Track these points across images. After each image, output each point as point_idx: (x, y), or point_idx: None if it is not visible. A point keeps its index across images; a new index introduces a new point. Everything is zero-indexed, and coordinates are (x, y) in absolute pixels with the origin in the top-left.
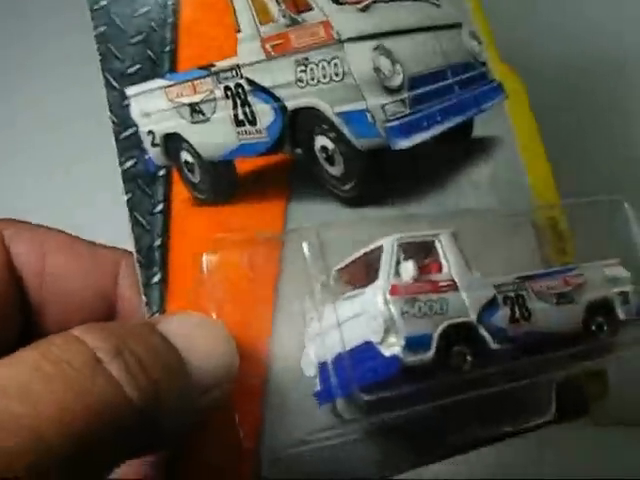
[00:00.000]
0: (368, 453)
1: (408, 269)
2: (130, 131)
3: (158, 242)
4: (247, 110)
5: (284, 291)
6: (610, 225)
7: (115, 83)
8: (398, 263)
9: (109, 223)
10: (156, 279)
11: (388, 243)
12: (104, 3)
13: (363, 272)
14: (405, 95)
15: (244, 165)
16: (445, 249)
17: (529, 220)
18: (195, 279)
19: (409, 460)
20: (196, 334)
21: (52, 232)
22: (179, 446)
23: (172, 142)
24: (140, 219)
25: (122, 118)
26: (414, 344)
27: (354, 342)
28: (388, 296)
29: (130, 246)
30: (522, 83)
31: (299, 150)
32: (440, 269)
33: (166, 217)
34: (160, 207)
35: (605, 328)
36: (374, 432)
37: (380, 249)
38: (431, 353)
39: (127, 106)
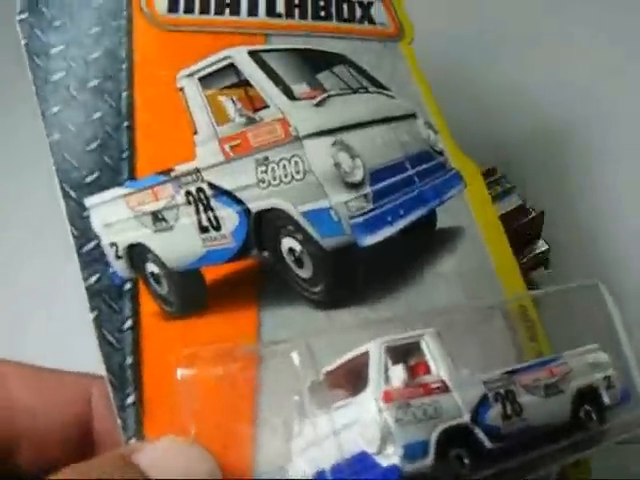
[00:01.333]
0: None
1: (398, 374)
2: (92, 244)
3: (130, 360)
4: (211, 215)
5: (265, 404)
6: (585, 310)
7: (73, 194)
8: (386, 368)
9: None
10: (130, 400)
11: (375, 348)
12: (56, 110)
13: (350, 379)
14: (367, 190)
15: (212, 273)
16: (431, 349)
17: (500, 310)
18: (171, 396)
19: None
20: (175, 462)
21: (14, 366)
22: None
23: (136, 253)
24: (109, 337)
25: (83, 230)
26: (412, 452)
27: (350, 451)
28: (381, 404)
29: (100, 368)
30: (476, 168)
31: (266, 253)
32: (428, 370)
33: (136, 333)
34: (129, 323)
35: (593, 416)
36: None
37: (366, 354)
38: (430, 459)
39: (87, 217)
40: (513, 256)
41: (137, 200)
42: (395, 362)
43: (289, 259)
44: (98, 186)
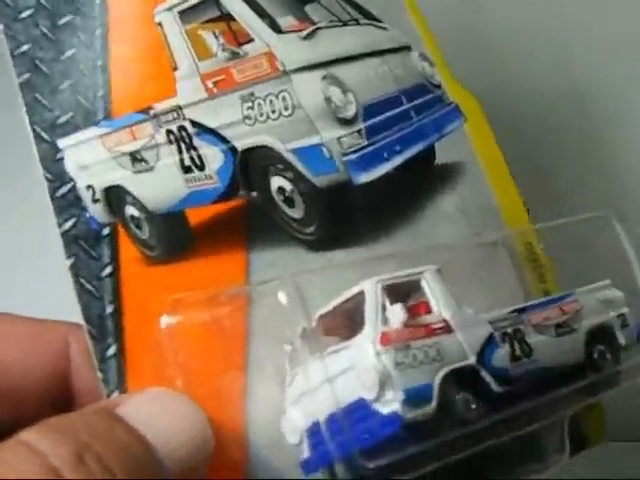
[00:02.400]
0: None
1: (397, 314)
2: (67, 187)
3: (109, 309)
4: (194, 154)
5: (256, 352)
6: (596, 244)
7: (45, 135)
8: (384, 308)
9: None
10: (111, 351)
11: (370, 287)
12: (25, 48)
13: (345, 321)
14: (361, 126)
15: (196, 215)
16: (432, 287)
17: (505, 248)
18: (155, 346)
19: None
20: (162, 414)
21: None
22: None
23: (114, 196)
24: (87, 285)
25: (56, 174)
26: (414, 397)
27: (346, 400)
28: (379, 346)
29: (78, 317)
30: (477, 102)
31: (254, 193)
32: (429, 310)
33: (116, 280)
34: (108, 270)
35: (607, 356)
36: None
37: (362, 294)
38: (433, 405)
39: (61, 160)
40: (517, 193)
41: (114, 140)
42: (393, 302)
43: (279, 199)
44: (72, 127)
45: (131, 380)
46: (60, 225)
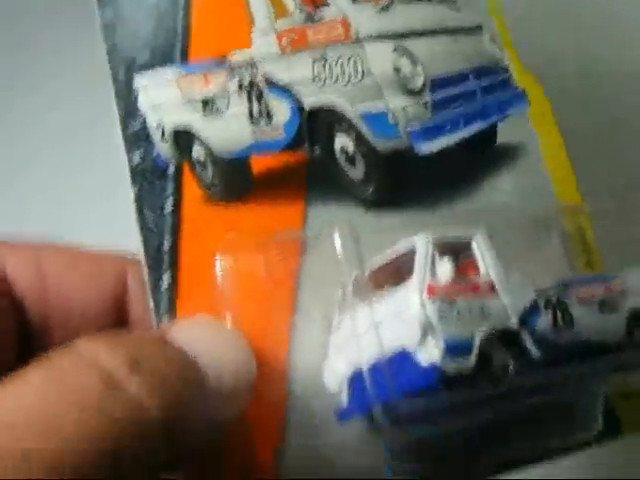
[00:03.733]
0: (398, 474)
1: (445, 269)
2: (138, 124)
3: (168, 243)
4: (263, 106)
5: (305, 297)
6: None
7: (122, 74)
8: (433, 263)
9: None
10: (165, 282)
11: (422, 242)
12: None
13: (395, 275)
14: (427, 98)
15: (260, 163)
16: (482, 249)
17: (557, 228)
18: (207, 283)
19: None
20: (211, 342)
21: (49, 246)
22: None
23: (183, 137)
24: (148, 219)
25: (129, 110)
26: (454, 349)
27: (389, 348)
28: (424, 297)
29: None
30: (541, 87)
31: (318, 150)
32: (477, 271)
33: (176, 217)
34: (170, 206)
35: None
36: (406, 450)
37: (413, 249)
38: (472, 360)
39: (135, 98)
40: (575, 183)
41: (188, 84)
42: (443, 259)
43: (341, 158)
44: (149, 67)
45: (181, 311)
46: (129, 159)
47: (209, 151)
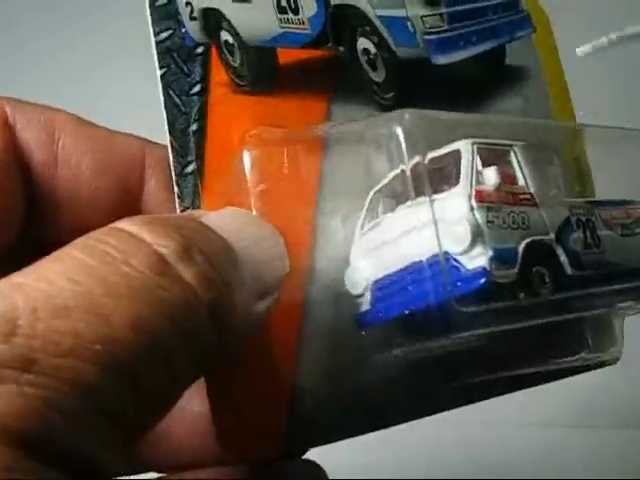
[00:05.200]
0: (415, 384)
1: (491, 176)
2: None
3: (194, 127)
4: None
5: (327, 196)
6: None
7: None
8: (478, 169)
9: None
10: (190, 168)
11: (466, 146)
12: None
13: (438, 179)
14: (443, 10)
15: (287, 56)
16: (520, 160)
17: (557, 152)
18: (232, 174)
19: (462, 394)
20: (249, 232)
21: (66, 115)
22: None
23: (212, 18)
24: (175, 98)
25: None
26: (501, 256)
27: (430, 252)
28: (473, 201)
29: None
30: (547, 17)
31: (342, 49)
32: (514, 182)
33: (204, 99)
34: (197, 87)
35: None
36: (427, 361)
37: (457, 152)
38: (516, 269)
39: None
40: (572, 109)
41: None
42: (486, 166)
43: (363, 59)
44: None
45: (206, 200)
46: (156, 34)
47: (237, 36)
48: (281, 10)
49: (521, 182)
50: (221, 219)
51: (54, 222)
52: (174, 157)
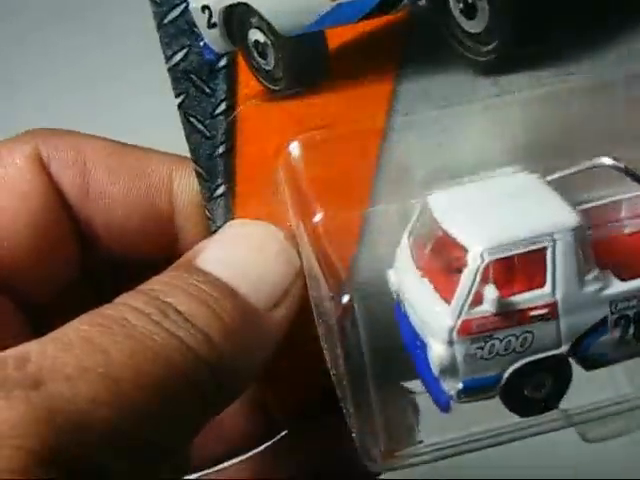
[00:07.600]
0: None
1: (491, 297)
2: (177, 11)
3: (221, 149)
4: None
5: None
6: None
7: None
8: (486, 280)
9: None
10: (220, 191)
11: (474, 257)
12: None
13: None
14: None
15: (337, 37)
16: (558, 259)
17: None
18: (266, 189)
19: None
20: (241, 254)
21: (94, 142)
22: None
23: (237, 17)
24: (198, 125)
25: None
26: (475, 387)
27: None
28: (455, 335)
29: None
30: None
31: (423, 2)
32: (542, 284)
33: (230, 119)
34: (223, 106)
35: None
36: None
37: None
38: (495, 391)
39: None
40: None
41: None
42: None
43: (455, 7)
44: None
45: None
46: (169, 58)
47: (271, 30)
48: None
49: (548, 289)
50: (216, 252)
51: (96, 250)
52: (201, 183)
